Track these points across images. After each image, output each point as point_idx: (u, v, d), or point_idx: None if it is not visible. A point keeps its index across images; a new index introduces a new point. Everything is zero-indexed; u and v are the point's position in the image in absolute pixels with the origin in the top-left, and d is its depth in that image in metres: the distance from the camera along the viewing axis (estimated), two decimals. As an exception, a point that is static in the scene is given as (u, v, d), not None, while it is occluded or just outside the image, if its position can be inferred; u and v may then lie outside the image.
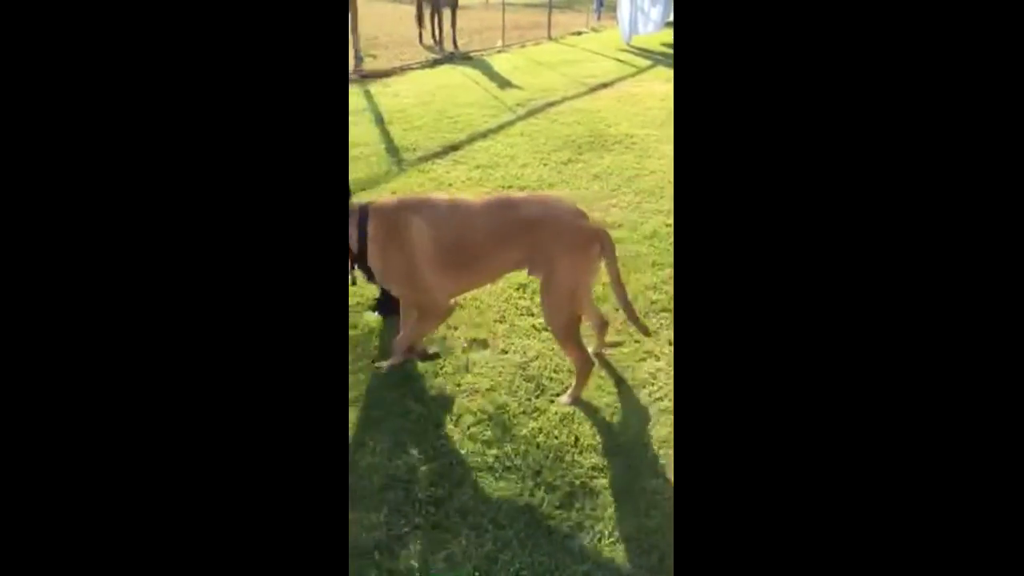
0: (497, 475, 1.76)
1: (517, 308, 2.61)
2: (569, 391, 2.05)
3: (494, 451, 1.84)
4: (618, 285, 1.98)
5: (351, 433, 1.91)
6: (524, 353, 2.32)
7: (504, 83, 7.07)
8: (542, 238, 1.89)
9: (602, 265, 1.97)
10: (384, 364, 2.14)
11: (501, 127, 5.33)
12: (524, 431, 1.93)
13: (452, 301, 2.07)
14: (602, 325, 2.25)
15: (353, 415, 1.98)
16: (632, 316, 2.05)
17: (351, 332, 2.40)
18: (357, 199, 2.06)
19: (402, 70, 7.43)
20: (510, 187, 3.98)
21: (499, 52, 9.27)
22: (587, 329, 2.23)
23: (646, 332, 2.12)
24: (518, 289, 2.73)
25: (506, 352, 2.33)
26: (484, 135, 5.08)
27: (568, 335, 1.97)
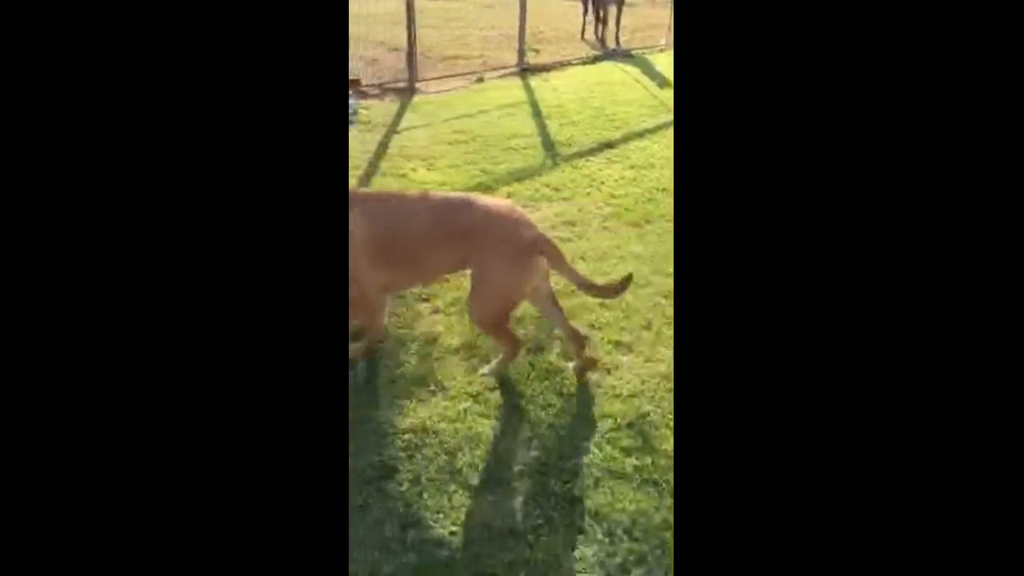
0: (635, 485, 1.71)
1: (664, 316, 2.52)
2: (494, 363, 2.11)
3: (633, 460, 1.79)
4: (570, 274, 1.99)
5: (492, 419, 1.95)
6: (669, 363, 2.23)
7: (665, 82, 6.85)
8: (477, 246, 1.91)
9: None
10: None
11: (659, 127, 5.18)
12: (666, 445, 1.86)
13: (384, 297, 2.10)
14: (579, 340, 2.12)
15: (494, 398, 2.03)
16: (592, 288, 2.03)
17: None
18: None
19: (562, 65, 7.47)
20: (664, 189, 3.85)
21: (661, 51, 9.00)
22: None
23: (610, 293, 2.06)
24: (667, 296, 2.63)
25: (650, 360, 2.26)
26: (640, 135, 4.97)
27: (493, 329, 2.03)
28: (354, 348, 2.19)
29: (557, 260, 1.96)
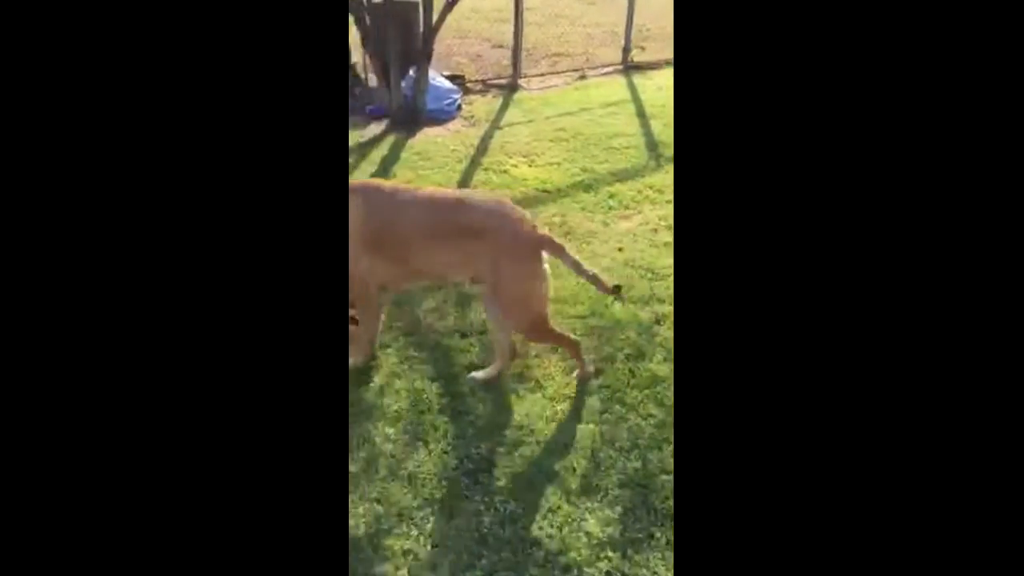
0: (741, 509, 1.62)
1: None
2: (577, 371, 2.07)
3: (739, 482, 1.70)
4: (578, 268, 1.94)
5: (591, 423, 1.92)
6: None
7: (778, 84, 6.48)
8: (486, 249, 1.85)
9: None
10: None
11: (771, 132, 4.91)
12: (776, 470, 1.75)
13: (380, 295, 2.05)
14: (512, 351, 2.08)
15: (593, 403, 1.99)
16: (600, 284, 1.97)
17: (596, 322, 2.41)
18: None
19: (668, 63, 7.26)
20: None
21: (775, 50, 8.52)
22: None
23: (616, 291, 2.02)
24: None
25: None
26: (751, 138, 4.72)
27: (538, 334, 2.01)
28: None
29: (560, 252, 1.91)
